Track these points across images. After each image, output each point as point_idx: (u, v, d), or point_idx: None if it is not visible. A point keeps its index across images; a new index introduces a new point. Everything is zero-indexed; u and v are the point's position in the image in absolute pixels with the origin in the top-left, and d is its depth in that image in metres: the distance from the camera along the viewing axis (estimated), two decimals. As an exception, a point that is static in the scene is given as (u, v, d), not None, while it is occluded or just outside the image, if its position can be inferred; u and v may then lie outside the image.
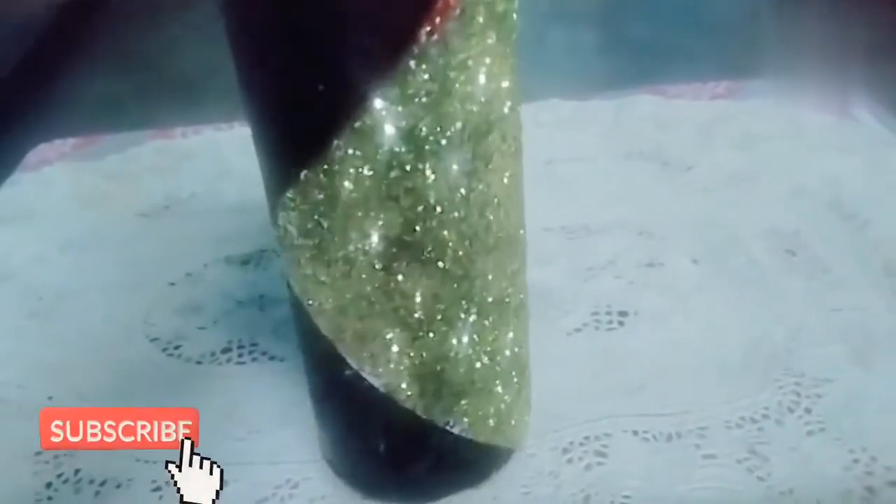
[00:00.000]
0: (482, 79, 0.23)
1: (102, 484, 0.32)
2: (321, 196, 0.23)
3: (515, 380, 0.29)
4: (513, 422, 0.30)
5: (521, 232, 0.27)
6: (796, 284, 0.39)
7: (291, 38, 0.22)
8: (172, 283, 0.43)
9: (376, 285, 0.25)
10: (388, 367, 0.26)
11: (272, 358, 0.38)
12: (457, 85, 0.22)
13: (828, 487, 0.29)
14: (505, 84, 0.24)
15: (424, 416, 0.27)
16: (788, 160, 0.48)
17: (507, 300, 0.27)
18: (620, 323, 0.38)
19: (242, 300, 0.41)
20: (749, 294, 0.39)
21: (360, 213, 0.23)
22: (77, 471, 0.33)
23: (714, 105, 0.55)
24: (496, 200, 0.25)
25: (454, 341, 0.26)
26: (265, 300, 0.41)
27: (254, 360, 0.38)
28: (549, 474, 0.31)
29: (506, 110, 0.24)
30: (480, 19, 0.22)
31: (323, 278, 0.25)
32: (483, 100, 0.23)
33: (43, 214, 0.50)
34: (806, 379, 0.34)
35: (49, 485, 0.32)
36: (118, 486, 0.32)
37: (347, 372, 0.27)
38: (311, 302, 0.26)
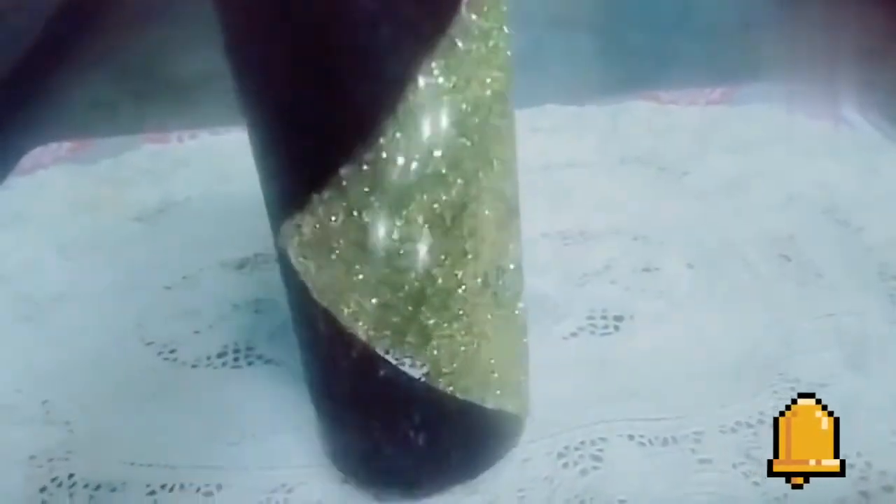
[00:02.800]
0: (502, 45, 0.24)
1: (97, 488, 0.32)
2: (366, 189, 0.23)
3: (525, 344, 0.30)
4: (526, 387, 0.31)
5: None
6: (791, 289, 0.39)
7: (334, 25, 0.21)
8: (168, 287, 0.43)
9: (420, 271, 0.25)
10: (432, 354, 0.26)
11: (268, 362, 0.38)
12: (486, 51, 0.23)
13: (822, 492, 0.29)
14: (509, 53, 0.25)
15: (462, 398, 0.27)
16: (783, 165, 0.48)
17: (520, 266, 0.28)
18: (616, 328, 0.38)
19: (238, 304, 0.41)
20: (744, 299, 0.39)
21: (406, 198, 0.23)
22: (71, 475, 0.33)
23: (709, 111, 0.55)
24: (513, 165, 0.26)
25: (489, 315, 0.27)
26: (261, 304, 0.41)
27: (249, 364, 0.38)
28: (544, 479, 0.31)
29: (509, 77, 0.25)
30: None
31: (361, 277, 0.25)
32: (503, 64, 0.24)
33: (38, 218, 0.50)
34: (800, 384, 0.34)
35: (43, 489, 0.32)
36: (112, 490, 0.32)
37: (382, 371, 0.26)
38: (348, 309, 0.25)
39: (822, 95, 0.55)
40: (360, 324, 0.26)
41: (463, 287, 0.26)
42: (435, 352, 0.26)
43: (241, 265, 0.44)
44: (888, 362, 0.35)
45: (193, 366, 0.38)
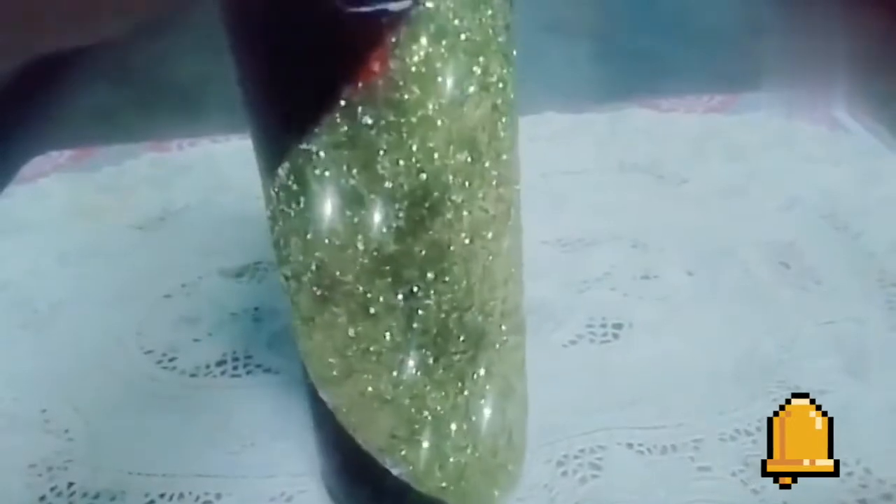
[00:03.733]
0: (415, 148, 0.22)
1: (96, 496, 0.32)
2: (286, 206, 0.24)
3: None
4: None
5: (496, 311, 0.26)
6: (790, 296, 0.39)
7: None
8: (167, 296, 0.43)
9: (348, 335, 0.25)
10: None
11: (267, 370, 0.38)
12: (383, 148, 0.21)
13: (822, 500, 0.29)
14: (460, 157, 0.22)
15: (364, 447, 0.27)
16: (782, 172, 0.48)
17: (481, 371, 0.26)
18: (615, 335, 0.38)
19: (237, 312, 0.41)
20: (743, 306, 0.39)
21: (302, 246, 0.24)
22: (70, 483, 0.32)
23: (708, 118, 0.55)
24: (446, 267, 0.24)
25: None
26: (260, 312, 0.41)
27: (248, 372, 0.38)
28: (543, 487, 0.31)
29: (454, 180, 0.23)
30: (415, 89, 0.21)
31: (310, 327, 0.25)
32: (419, 168, 0.22)
33: (38, 226, 0.50)
34: (800, 391, 0.34)
35: (42, 498, 0.32)
36: (112, 499, 0.32)
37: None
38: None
39: (821, 102, 0.55)
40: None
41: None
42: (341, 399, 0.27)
43: (240, 273, 0.44)
44: (888, 369, 0.35)
45: (192, 374, 0.38)
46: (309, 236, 0.23)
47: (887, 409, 0.33)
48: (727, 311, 0.39)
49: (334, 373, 0.26)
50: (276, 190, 0.23)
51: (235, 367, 0.38)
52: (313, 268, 0.24)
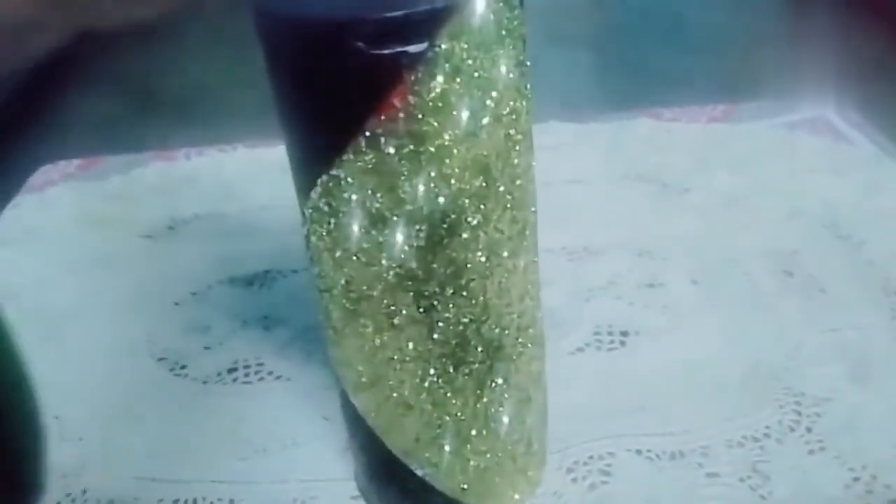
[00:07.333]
0: (433, 174, 0.23)
1: (110, 503, 0.32)
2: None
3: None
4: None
5: (513, 328, 0.27)
6: (794, 304, 0.40)
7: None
8: (177, 304, 0.43)
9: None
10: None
11: (278, 378, 0.38)
12: (404, 174, 0.23)
13: (828, 506, 0.30)
14: (475, 182, 0.24)
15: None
16: (785, 181, 0.49)
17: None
18: (622, 343, 0.38)
19: (247, 320, 0.41)
20: (748, 313, 0.39)
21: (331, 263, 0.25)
22: (84, 490, 0.33)
23: (711, 128, 0.56)
24: (463, 283, 0.25)
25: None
26: (270, 320, 0.41)
27: (260, 379, 0.38)
28: (553, 494, 0.31)
29: (469, 203, 0.24)
30: (433, 121, 0.22)
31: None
32: (437, 192, 0.23)
33: (47, 235, 0.50)
34: (806, 398, 0.34)
35: (57, 504, 0.32)
36: (125, 506, 0.32)
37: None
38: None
39: (823, 112, 0.55)
40: None
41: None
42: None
43: (250, 281, 0.44)
44: (892, 376, 0.35)
45: (204, 382, 0.38)
46: (338, 254, 0.25)
47: (892, 415, 0.33)
48: (732, 319, 0.39)
49: (363, 379, 0.27)
50: (310, 210, 0.24)
51: (247, 375, 0.38)
52: (343, 282, 0.25)
